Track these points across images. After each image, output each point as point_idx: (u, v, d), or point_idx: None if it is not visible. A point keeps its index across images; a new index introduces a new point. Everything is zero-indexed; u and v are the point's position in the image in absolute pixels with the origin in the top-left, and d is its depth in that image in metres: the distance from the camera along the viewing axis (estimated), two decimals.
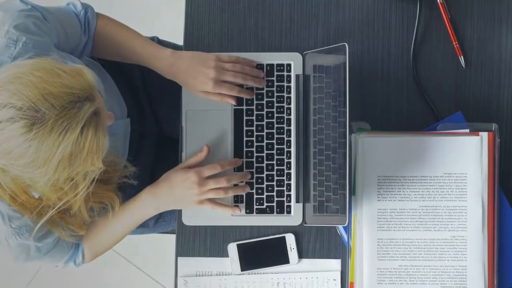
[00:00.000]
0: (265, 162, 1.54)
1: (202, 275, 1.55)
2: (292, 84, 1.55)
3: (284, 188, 1.54)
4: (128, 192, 1.51)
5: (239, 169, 1.54)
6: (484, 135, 1.50)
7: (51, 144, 1.14)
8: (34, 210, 1.30)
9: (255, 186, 1.54)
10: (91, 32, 1.50)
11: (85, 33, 1.49)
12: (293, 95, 1.55)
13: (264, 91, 1.55)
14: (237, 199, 1.54)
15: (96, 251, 1.53)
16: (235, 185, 1.52)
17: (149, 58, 1.50)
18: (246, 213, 1.54)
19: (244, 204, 1.54)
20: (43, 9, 1.38)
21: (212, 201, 1.49)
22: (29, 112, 1.13)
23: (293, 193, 1.54)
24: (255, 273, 1.54)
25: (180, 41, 1.64)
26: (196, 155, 1.51)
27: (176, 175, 1.48)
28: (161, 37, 1.76)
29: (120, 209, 1.48)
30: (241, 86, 1.53)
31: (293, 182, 1.54)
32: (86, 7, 1.49)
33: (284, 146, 1.55)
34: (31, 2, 1.36)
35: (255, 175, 1.54)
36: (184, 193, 1.47)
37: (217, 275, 1.55)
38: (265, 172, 1.54)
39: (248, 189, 1.53)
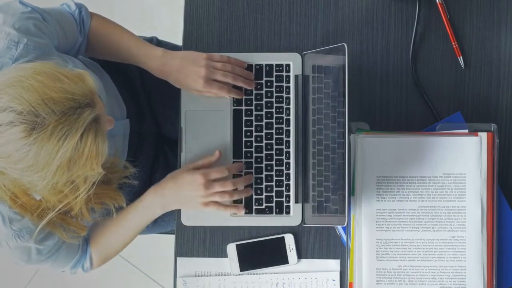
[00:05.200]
0: (264, 162, 1.54)
1: (201, 276, 1.55)
2: (291, 85, 1.55)
3: (283, 189, 1.54)
4: (126, 192, 1.51)
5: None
6: (483, 135, 1.50)
7: (50, 149, 1.14)
8: (35, 211, 1.30)
9: (254, 186, 1.54)
10: (86, 31, 1.50)
11: (80, 32, 1.49)
12: (292, 95, 1.55)
13: (263, 92, 1.55)
14: (236, 200, 1.54)
15: (104, 255, 1.52)
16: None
17: (140, 57, 1.51)
18: (245, 213, 1.54)
19: (243, 204, 1.54)
20: (42, 10, 1.38)
21: (217, 203, 1.49)
22: (29, 116, 1.13)
23: (292, 193, 1.54)
24: (254, 274, 1.54)
25: (179, 41, 1.64)
26: (206, 158, 1.51)
27: (183, 176, 1.47)
28: (160, 37, 1.76)
29: (125, 211, 1.48)
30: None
31: (292, 182, 1.54)
32: (80, 6, 1.50)
33: (283, 147, 1.55)
34: (31, 4, 1.37)
35: (254, 176, 1.54)
36: (190, 195, 1.46)
37: (216, 275, 1.55)
38: (264, 173, 1.54)
39: (251, 192, 1.53)
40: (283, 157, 1.55)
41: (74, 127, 1.15)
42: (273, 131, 1.55)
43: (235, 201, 1.54)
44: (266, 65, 1.55)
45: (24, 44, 1.30)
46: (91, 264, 1.51)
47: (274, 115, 1.55)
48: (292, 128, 1.55)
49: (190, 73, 1.49)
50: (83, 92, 1.17)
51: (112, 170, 1.41)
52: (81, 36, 1.49)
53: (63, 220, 1.37)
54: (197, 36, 1.60)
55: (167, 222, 1.72)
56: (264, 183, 1.54)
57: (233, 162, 1.54)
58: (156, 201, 1.48)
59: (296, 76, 1.56)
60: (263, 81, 1.55)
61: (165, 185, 1.48)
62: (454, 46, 1.56)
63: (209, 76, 1.49)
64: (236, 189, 1.50)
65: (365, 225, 1.49)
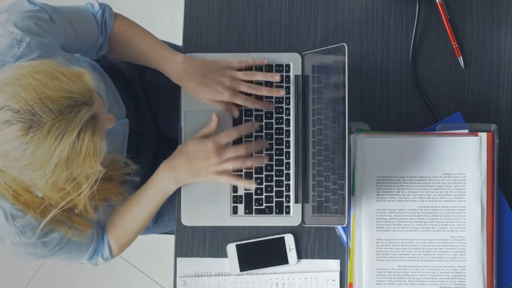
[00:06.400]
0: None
1: (201, 276, 1.55)
2: (291, 85, 1.55)
3: (283, 189, 1.54)
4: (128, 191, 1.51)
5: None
6: (483, 135, 1.49)
7: (48, 147, 1.14)
8: (38, 208, 1.30)
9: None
10: (107, 32, 1.50)
11: (101, 33, 1.49)
12: (292, 95, 1.55)
13: None
14: (236, 200, 1.54)
15: (123, 241, 1.51)
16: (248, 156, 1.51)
17: (160, 62, 1.50)
18: (245, 213, 1.54)
19: (243, 204, 1.54)
20: (51, 9, 1.38)
21: (229, 173, 1.48)
22: (26, 115, 1.13)
23: (292, 193, 1.54)
24: (254, 274, 1.54)
25: (179, 41, 1.64)
26: (207, 125, 1.50)
27: (193, 146, 1.46)
28: (160, 37, 1.75)
29: (138, 192, 1.48)
30: None
31: (292, 182, 1.54)
32: (104, 7, 1.49)
33: (283, 147, 1.55)
34: (40, 3, 1.36)
35: (254, 176, 1.54)
36: (202, 164, 1.45)
37: (216, 275, 1.55)
38: (264, 173, 1.54)
39: (267, 160, 1.51)
40: (283, 157, 1.55)
41: (71, 126, 1.15)
42: (273, 131, 1.55)
43: (235, 199, 1.54)
44: (266, 65, 1.55)
45: (26, 43, 1.30)
46: (110, 252, 1.50)
47: (274, 116, 1.55)
48: (292, 128, 1.55)
49: (213, 83, 1.48)
50: (81, 90, 1.17)
51: (113, 167, 1.41)
52: (102, 37, 1.49)
53: (68, 217, 1.37)
54: (197, 36, 1.60)
55: (167, 222, 1.72)
56: (264, 183, 1.54)
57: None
58: (168, 176, 1.47)
59: (296, 76, 1.56)
60: (263, 82, 1.55)
61: (175, 159, 1.47)
62: (454, 46, 1.56)
63: (234, 87, 1.49)
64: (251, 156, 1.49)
65: (365, 225, 1.49)
